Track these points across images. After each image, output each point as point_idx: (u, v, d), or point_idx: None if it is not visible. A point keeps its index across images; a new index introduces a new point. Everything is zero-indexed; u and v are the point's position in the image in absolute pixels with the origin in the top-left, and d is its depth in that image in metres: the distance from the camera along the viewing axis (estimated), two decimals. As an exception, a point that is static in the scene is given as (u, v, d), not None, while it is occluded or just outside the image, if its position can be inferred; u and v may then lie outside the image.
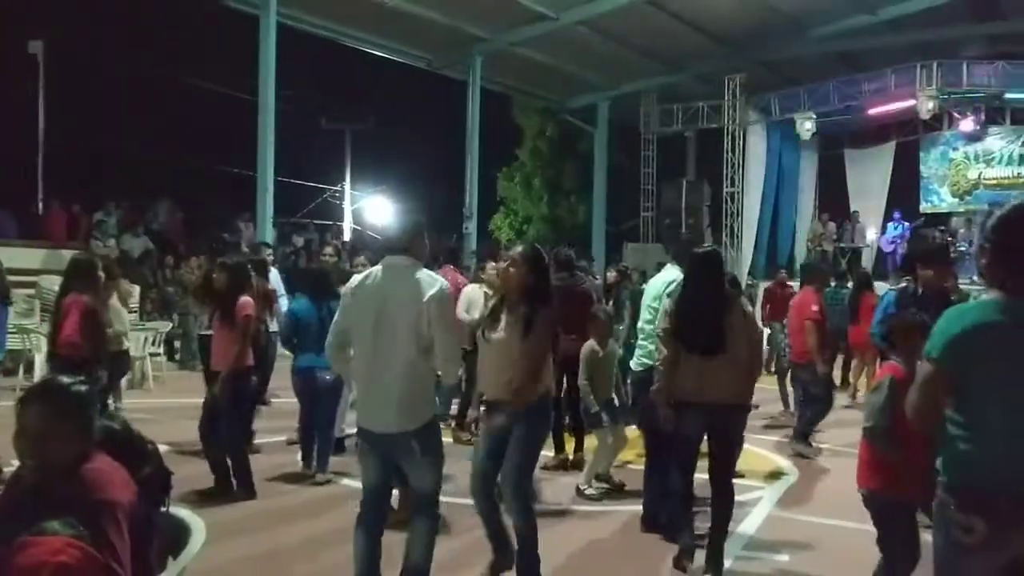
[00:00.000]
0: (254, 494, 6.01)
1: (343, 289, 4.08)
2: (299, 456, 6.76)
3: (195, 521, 4.70)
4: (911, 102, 19.03)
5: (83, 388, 2.43)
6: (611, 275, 10.22)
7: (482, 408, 4.41)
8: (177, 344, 13.78)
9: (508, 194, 25.18)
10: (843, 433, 7.86)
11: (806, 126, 20.48)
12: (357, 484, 6.29)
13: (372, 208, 26.08)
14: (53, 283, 9.17)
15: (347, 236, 23.59)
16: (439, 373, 3.96)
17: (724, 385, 4.38)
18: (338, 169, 26.09)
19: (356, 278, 3.99)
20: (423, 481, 3.83)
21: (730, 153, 20.81)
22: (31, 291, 12.03)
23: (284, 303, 8.50)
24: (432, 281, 3.77)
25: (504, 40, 18.73)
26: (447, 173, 21.76)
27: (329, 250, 9.86)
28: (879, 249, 20.81)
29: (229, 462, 6.05)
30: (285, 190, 19.73)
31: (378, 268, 3.90)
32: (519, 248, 4.40)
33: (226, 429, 6.05)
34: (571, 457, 7.10)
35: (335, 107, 25.45)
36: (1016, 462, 2.44)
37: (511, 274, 4.27)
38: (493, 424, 4.25)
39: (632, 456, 6.84)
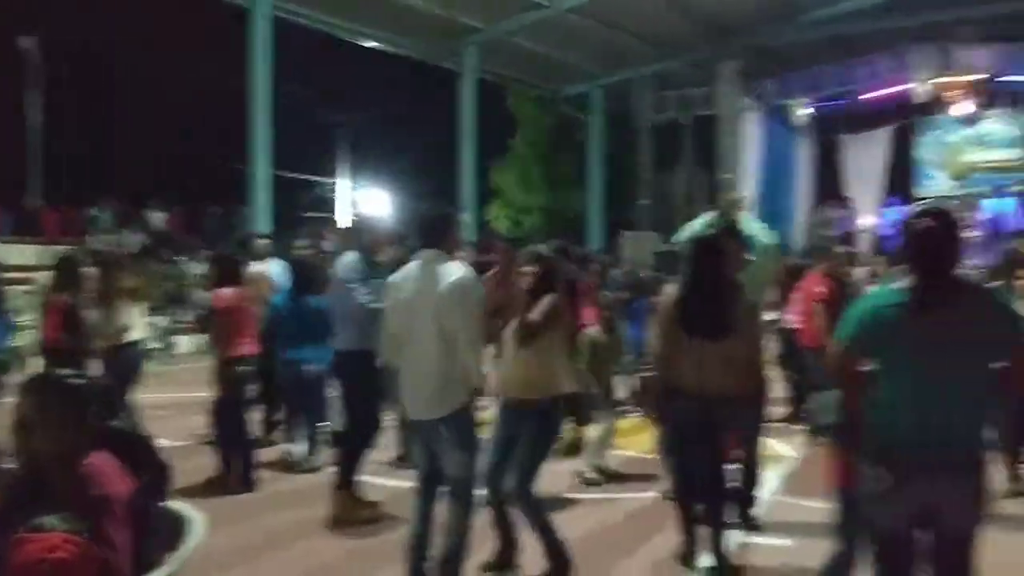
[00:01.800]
0: (251, 486, 6.05)
1: (387, 287, 4.19)
2: (292, 447, 6.76)
3: (194, 514, 4.69)
4: (906, 86, 19.00)
5: (76, 381, 2.42)
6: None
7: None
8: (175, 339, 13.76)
9: (504, 184, 25.14)
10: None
11: (800, 112, 20.46)
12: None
13: (367, 200, 26.05)
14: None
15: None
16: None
17: (722, 374, 4.32)
18: (332, 162, 26.05)
19: (394, 276, 4.16)
20: (454, 467, 3.94)
21: (725, 140, 20.78)
22: (26, 287, 11.99)
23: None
24: (454, 271, 3.89)
25: (498, 29, 18.70)
26: (443, 164, 21.72)
27: (304, 242, 9.68)
28: (878, 233, 20.81)
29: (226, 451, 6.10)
30: (281, 183, 19.68)
31: (412, 264, 4.06)
32: (528, 251, 4.53)
33: (220, 420, 6.11)
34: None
35: (329, 100, 25.37)
36: (911, 425, 2.85)
37: (523, 276, 4.37)
38: (505, 422, 4.35)
39: (641, 446, 6.86)
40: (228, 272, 6.35)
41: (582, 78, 22.23)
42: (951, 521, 2.88)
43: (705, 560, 4.44)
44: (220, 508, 5.55)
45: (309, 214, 19.70)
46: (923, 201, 20.98)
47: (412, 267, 4.04)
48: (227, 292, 6.13)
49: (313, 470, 6.48)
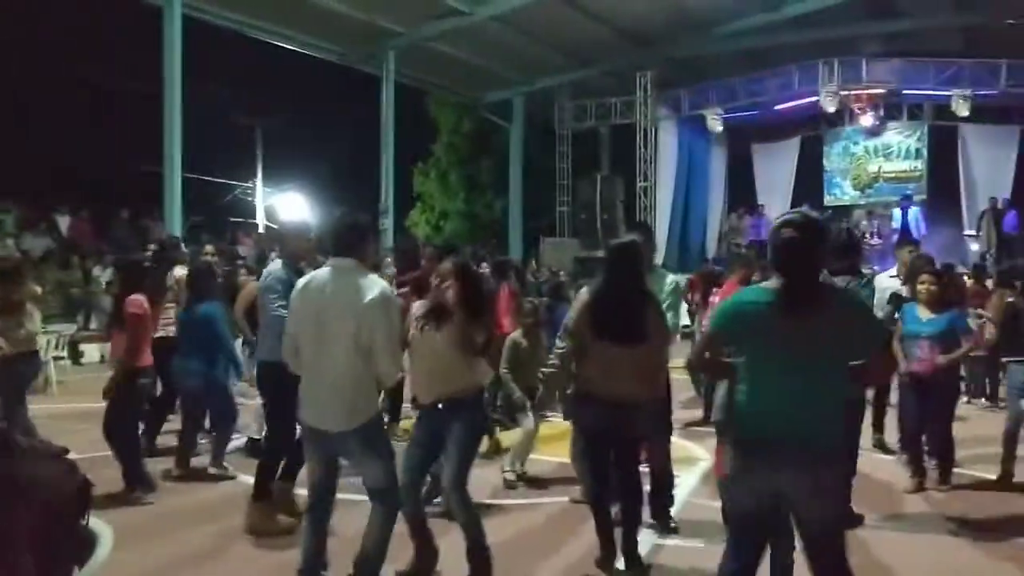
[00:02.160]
0: (152, 485, 5.92)
1: (293, 294, 4.03)
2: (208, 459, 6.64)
3: (100, 528, 4.54)
4: (814, 98, 19.67)
5: None
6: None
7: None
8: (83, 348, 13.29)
9: (424, 189, 25.08)
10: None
11: (715, 122, 20.98)
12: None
13: (284, 204, 25.63)
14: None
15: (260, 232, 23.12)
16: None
17: (631, 380, 4.38)
18: (249, 165, 25.55)
19: (301, 281, 4.03)
20: (372, 477, 3.88)
21: (642, 148, 21.17)
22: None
23: None
24: (373, 285, 3.78)
25: (417, 34, 18.63)
26: (362, 168, 21.53)
27: (210, 248, 9.51)
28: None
29: (124, 463, 5.91)
30: (195, 188, 19.24)
31: (323, 271, 3.92)
32: (448, 264, 4.44)
33: (116, 429, 5.92)
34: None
35: (245, 102, 24.89)
36: (770, 417, 3.06)
37: (444, 290, 4.30)
38: (429, 425, 4.32)
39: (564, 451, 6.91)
40: (134, 278, 6.16)
41: (503, 85, 22.33)
42: (807, 511, 3.05)
43: (620, 562, 4.51)
44: (129, 523, 5.41)
45: (198, 218, 19.19)
46: (825, 209, 21.76)
47: (323, 275, 3.89)
48: (135, 299, 5.93)
49: (223, 478, 6.36)
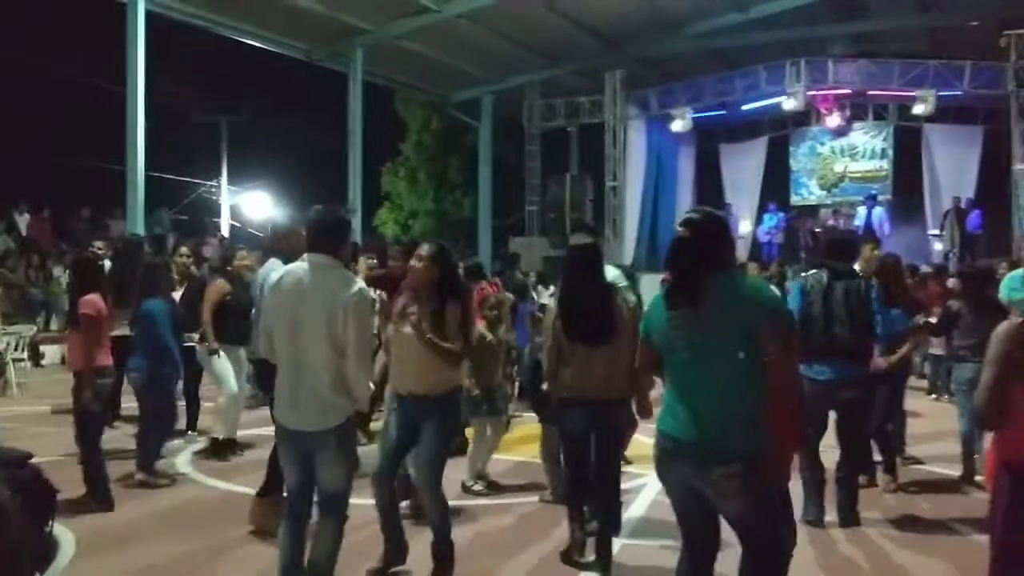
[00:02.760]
0: (110, 505, 5.71)
1: (268, 288, 3.96)
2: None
3: (63, 535, 4.43)
4: (781, 98, 19.83)
5: None
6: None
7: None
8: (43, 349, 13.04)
9: (393, 188, 24.97)
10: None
11: (683, 122, 21.08)
12: (228, 487, 6.17)
13: (250, 203, 25.37)
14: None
15: (225, 232, 22.86)
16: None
17: (605, 380, 4.42)
18: (214, 163, 25.24)
19: (274, 276, 3.95)
20: (334, 480, 3.78)
21: (611, 148, 21.19)
22: None
23: None
24: (350, 283, 3.73)
25: (385, 32, 18.48)
26: (330, 167, 21.34)
27: (185, 250, 9.41)
28: (755, 240, 21.61)
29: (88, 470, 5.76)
30: (159, 186, 18.95)
31: (298, 266, 3.85)
32: (426, 246, 4.47)
33: (77, 434, 5.80)
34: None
35: (210, 99, 24.59)
36: (675, 414, 3.07)
37: (420, 270, 4.35)
38: (403, 415, 4.34)
39: (530, 451, 6.87)
40: (88, 277, 6.01)
41: (472, 83, 22.25)
42: (725, 511, 3.03)
43: (590, 559, 4.51)
44: (92, 529, 5.29)
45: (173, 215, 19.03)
46: (794, 207, 21.99)
47: (299, 270, 3.82)
48: (89, 299, 5.77)
49: (159, 485, 6.25)
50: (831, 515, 5.46)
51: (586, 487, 4.62)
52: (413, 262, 4.43)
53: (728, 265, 3.14)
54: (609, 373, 4.39)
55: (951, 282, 8.02)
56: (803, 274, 5.89)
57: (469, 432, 6.37)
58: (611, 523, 4.57)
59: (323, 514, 3.84)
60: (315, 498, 3.90)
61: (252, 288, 7.60)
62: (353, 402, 3.76)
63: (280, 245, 5.40)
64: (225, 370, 7.24)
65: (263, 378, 5.31)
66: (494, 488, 6.30)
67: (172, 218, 21.16)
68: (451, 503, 5.76)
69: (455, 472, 6.44)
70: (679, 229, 3.16)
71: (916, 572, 4.72)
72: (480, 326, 6.40)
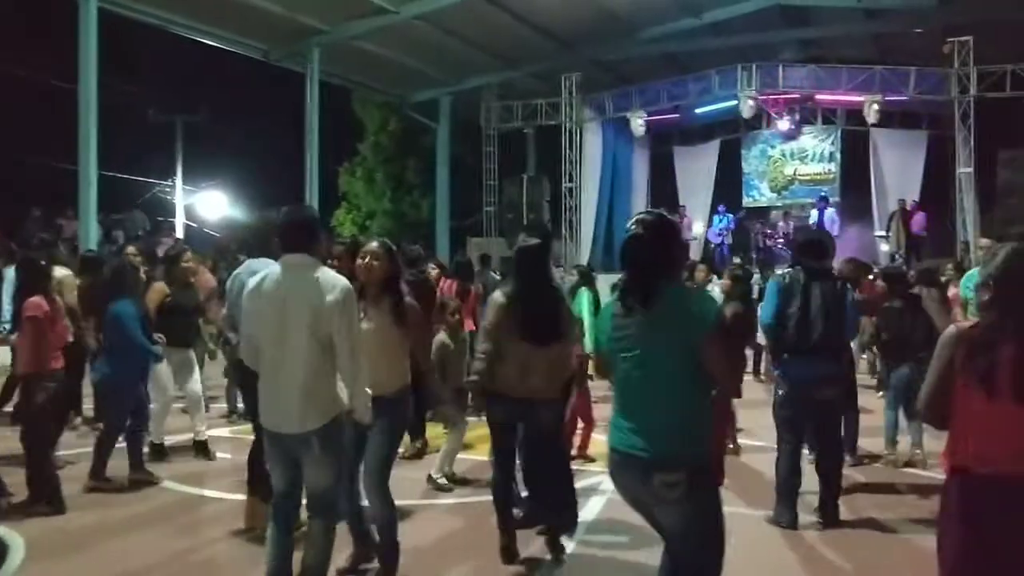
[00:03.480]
0: (62, 508, 5.66)
1: (244, 293, 3.90)
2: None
3: (12, 538, 4.44)
4: (733, 102, 20.17)
5: None
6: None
7: None
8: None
9: (350, 189, 24.88)
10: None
11: (638, 124, 21.34)
12: (186, 490, 6.18)
13: (205, 203, 25.10)
14: None
15: (180, 233, 22.62)
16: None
17: (544, 380, 4.51)
18: (169, 163, 24.93)
19: (253, 280, 3.88)
20: (321, 480, 3.76)
21: (568, 150, 21.38)
22: None
23: None
24: (334, 281, 3.70)
25: (343, 32, 18.44)
26: (287, 167, 21.21)
27: (132, 249, 9.33)
28: (707, 241, 21.96)
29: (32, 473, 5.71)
30: (112, 185, 18.68)
31: (276, 268, 3.81)
32: (375, 243, 4.48)
33: (22, 436, 5.76)
34: (407, 452, 7.25)
35: (165, 98, 24.28)
36: (620, 422, 3.06)
37: (374, 267, 4.33)
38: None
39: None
40: (32, 278, 5.95)
41: (429, 84, 22.28)
42: (663, 521, 3.04)
43: (543, 554, 4.62)
44: (43, 533, 5.28)
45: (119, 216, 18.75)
46: (743, 209, 22.37)
47: (276, 273, 3.78)
48: (33, 301, 5.71)
49: (147, 483, 6.23)
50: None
51: (513, 480, 4.72)
52: (360, 260, 4.40)
53: (678, 270, 3.17)
54: (550, 374, 4.50)
55: (879, 283, 8.33)
56: (778, 272, 5.93)
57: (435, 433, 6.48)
58: (566, 521, 4.70)
59: (313, 516, 3.84)
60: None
61: (195, 290, 7.66)
62: (341, 403, 3.74)
63: (261, 244, 5.23)
64: (162, 374, 7.11)
65: (244, 383, 5.26)
66: (464, 484, 6.40)
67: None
68: (417, 501, 5.92)
69: (418, 472, 6.57)
70: (632, 228, 3.12)
71: (890, 570, 4.88)
72: (441, 334, 6.51)
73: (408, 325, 4.33)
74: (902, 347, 6.94)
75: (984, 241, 6.73)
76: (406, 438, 7.46)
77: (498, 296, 4.66)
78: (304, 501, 3.95)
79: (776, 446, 5.63)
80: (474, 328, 7.80)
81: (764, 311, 5.67)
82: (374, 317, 4.29)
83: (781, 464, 5.50)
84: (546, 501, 4.73)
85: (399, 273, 4.49)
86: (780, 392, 5.59)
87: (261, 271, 4.59)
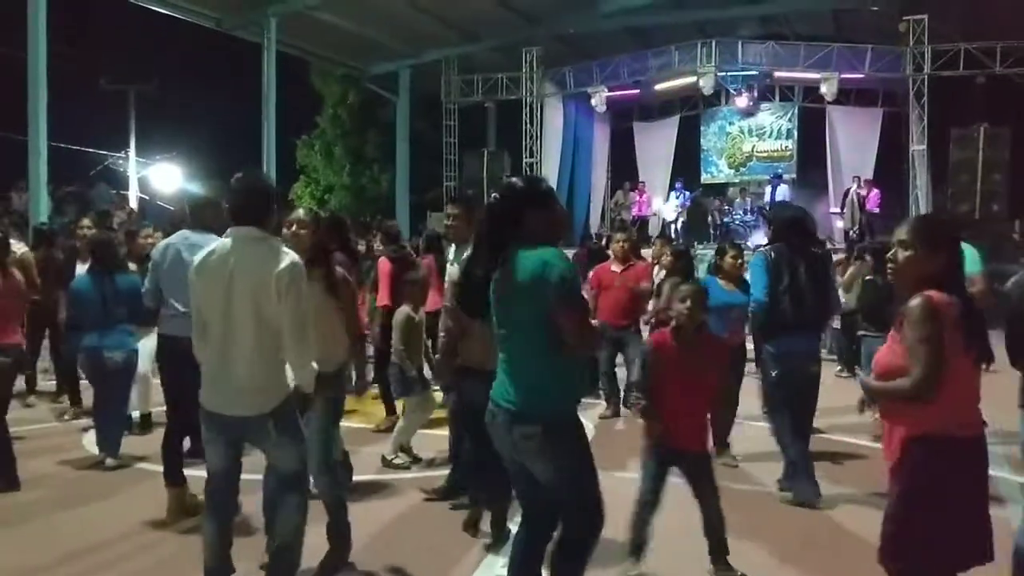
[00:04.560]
0: (16, 484, 5.59)
1: (191, 268, 3.67)
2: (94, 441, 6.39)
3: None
4: (693, 78, 20.28)
5: None
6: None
7: None
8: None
9: (308, 162, 24.60)
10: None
11: (598, 99, 21.36)
12: (152, 467, 6.13)
13: (159, 176, 24.66)
14: None
15: (134, 205, 22.20)
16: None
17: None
18: (122, 134, 24.42)
19: (200, 254, 3.65)
20: (286, 461, 3.65)
21: (528, 124, 21.36)
22: None
23: None
24: (282, 255, 3.52)
25: (299, 2, 18.15)
26: (243, 139, 20.87)
27: (87, 221, 9.13)
28: (663, 217, 22.13)
29: None
30: (63, 156, 18.28)
31: (224, 242, 3.60)
32: (300, 211, 4.40)
33: None
34: (382, 426, 7.21)
35: (117, 66, 23.73)
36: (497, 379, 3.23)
37: (300, 236, 4.20)
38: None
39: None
40: None
41: (389, 57, 22.06)
42: (534, 473, 3.13)
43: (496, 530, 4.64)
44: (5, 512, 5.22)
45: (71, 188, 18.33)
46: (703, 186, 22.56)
47: (224, 246, 3.57)
48: None
49: (116, 467, 6.16)
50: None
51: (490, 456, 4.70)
52: (285, 230, 4.24)
53: (533, 238, 3.07)
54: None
55: (865, 260, 8.40)
56: (762, 248, 5.84)
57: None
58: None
59: (284, 491, 3.70)
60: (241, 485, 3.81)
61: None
62: (287, 384, 3.61)
63: (200, 217, 5.11)
64: (144, 349, 7.01)
65: (165, 361, 5.08)
66: (416, 461, 6.38)
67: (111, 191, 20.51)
68: (371, 477, 5.91)
69: (378, 447, 6.56)
70: (493, 195, 3.25)
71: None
72: (406, 307, 6.43)
73: (339, 297, 4.20)
74: (881, 320, 6.99)
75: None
76: (382, 412, 7.54)
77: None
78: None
79: (774, 429, 5.60)
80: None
81: (755, 288, 5.55)
82: (312, 287, 3.98)
83: (790, 443, 5.44)
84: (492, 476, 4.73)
85: (328, 244, 4.41)
86: (774, 372, 5.49)
87: (200, 243, 4.47)
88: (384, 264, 7.71)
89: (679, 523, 4.28)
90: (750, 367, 6.72)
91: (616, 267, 8.09)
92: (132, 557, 4.52)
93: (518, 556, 3.28)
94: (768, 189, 20.20)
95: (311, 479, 4.03)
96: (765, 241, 7.28)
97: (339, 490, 4.28)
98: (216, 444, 3.65)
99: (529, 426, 3.04)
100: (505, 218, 3.14)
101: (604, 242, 15.31)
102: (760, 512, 5.26)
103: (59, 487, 5.76)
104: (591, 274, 8.27)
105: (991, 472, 2.98)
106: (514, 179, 3.27)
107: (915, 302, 2.81)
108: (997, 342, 3.33)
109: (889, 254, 2.98)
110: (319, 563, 4.12)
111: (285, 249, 3.60)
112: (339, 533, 4.22)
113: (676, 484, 4.21)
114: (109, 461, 6.14)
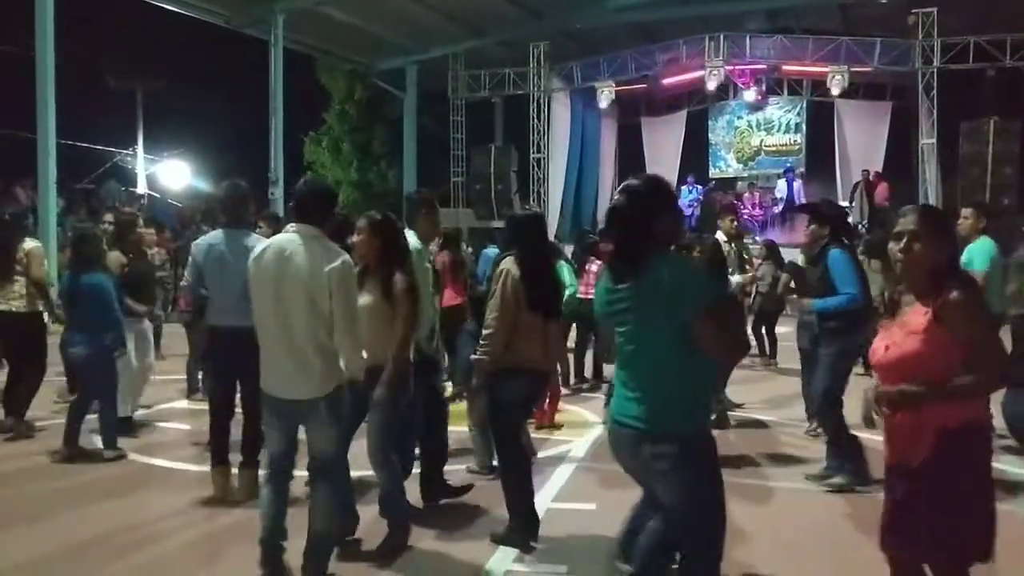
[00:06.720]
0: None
1: (250, 260, 3.89)
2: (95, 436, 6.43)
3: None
4: (700, 73, 20.21)
5: None
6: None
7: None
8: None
9: (316, 158, 24.60)
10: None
11: (605, 94, 21.31)
12: (150, 461, 6.15)
13: (168, 173, 24.68)
14: None
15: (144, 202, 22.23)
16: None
17: (545, 347, 4.57)
18: (130, 131, 24.44)
19: (257, 249, 3.93)
20: (324, 444, 3.86)
21: (536, 119, 21.32)
22: None
23: None
24: (335, 254, 3.77)
25: (307, -1, 18.17)
26: (251, 136, 20.88)
27: (109, 217, 9.11)
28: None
29: None
30: (71, 154, 18.33)
31: (281, 237, 3.87)
32: (365, 218, 4.49)
33: None
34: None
35: (126, 64, 23.73)
36: (615, 394, 3.10)
37: (363, 241, 4.38)
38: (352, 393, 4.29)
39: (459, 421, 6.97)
40: None
41: (396, 53, 22.06)
42: (658, 493, 3.01)
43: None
44: (11, 502, 5.24)
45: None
46: (712, 180, 22.50)
47: (282, 241, 3.84)
48: None
49: (116, 459, 6.17)
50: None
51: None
52: (355, 236, 4.47)
53: (665, 240, 2.97)
54: (546, 343, 4.55)
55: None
56: (833, 245, 5.80)
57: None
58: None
59: (316, 478, 3.92)
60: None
61: (151, 259, 7.57)
62: (342, 371, 3.83)
63: (236, 211, 5.33)
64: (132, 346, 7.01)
65: (210, 352, 5.33)
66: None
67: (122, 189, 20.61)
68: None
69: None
70: (616, 196, 3.04)
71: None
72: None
73: (393, 300, 4.30)
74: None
75: (967, 211, 6.76)
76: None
77: (509, 266, 4.52)
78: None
79: (829, 420, 5.64)
80: (460, 301, 7.71)
81: (847, 284, 5.49)
82: (370, 291, 4.33)
83: (840, 430, 5.50)
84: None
85: (391, 247, 4.41)
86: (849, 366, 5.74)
87: (241, 241, 4.93)
88: None
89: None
90: (752, 362, 6.74)
91: None
92: (140, 547, 4.53)
93: (648, 546, 3.19)
94: (781, 183, 20.12)
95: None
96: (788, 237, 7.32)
97: (395, 477, 4.44)
98: (276, 426, 3.92)
99: (661, 445, 2.86)
100: (637, 227, 2.92)
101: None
102: (765, 505, 5.26)
103: (62, 480, 5.77)
104: (591, 268, 8.37)
105: None
106: (635, 183, 3.03)
107: (964, 294, 2.76)
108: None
109: (900, 245, 2.88)
110: (376, 547, 4.34)
111: (337, 248, 3.86)
112: (395, 518, 4.42)
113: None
114: (107, 453, 6.19)
